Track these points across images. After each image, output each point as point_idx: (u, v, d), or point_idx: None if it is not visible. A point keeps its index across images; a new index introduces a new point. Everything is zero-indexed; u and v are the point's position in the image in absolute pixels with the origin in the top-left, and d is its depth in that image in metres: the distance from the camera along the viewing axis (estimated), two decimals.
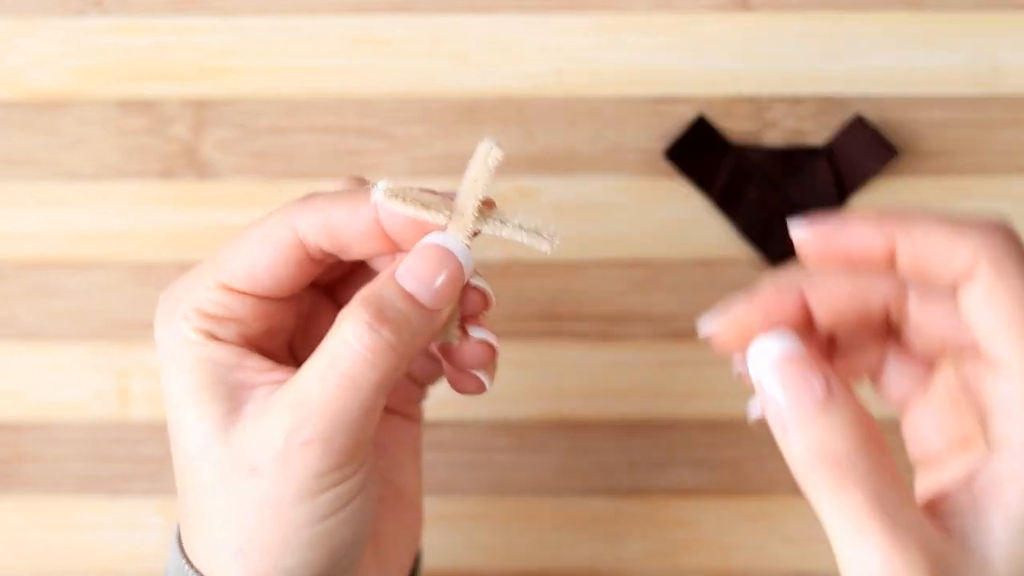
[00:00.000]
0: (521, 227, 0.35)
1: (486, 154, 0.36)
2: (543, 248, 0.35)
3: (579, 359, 0.51)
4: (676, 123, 0.51)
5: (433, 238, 0.35)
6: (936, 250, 0.32)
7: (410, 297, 0.35)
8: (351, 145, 0.51)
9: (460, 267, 0.35)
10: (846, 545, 0.31)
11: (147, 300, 0.52)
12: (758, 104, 0.51)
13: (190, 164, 0.52)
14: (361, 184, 0.39)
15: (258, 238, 0.36)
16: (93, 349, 0.52)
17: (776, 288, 0.35)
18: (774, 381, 0.33)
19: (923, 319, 0.34)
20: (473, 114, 0.51)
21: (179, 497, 0.37)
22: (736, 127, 0.51)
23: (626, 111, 0.51)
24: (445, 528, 0.51)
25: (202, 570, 0.37)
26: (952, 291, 0.32)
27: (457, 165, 0.51)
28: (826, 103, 0.51)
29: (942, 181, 0.51)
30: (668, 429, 0.51)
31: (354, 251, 0.37)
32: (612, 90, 0.51)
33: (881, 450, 0.32)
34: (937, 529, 0.31)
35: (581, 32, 0.51)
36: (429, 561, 0.50)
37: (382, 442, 0.41)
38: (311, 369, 0.35)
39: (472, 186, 0.36)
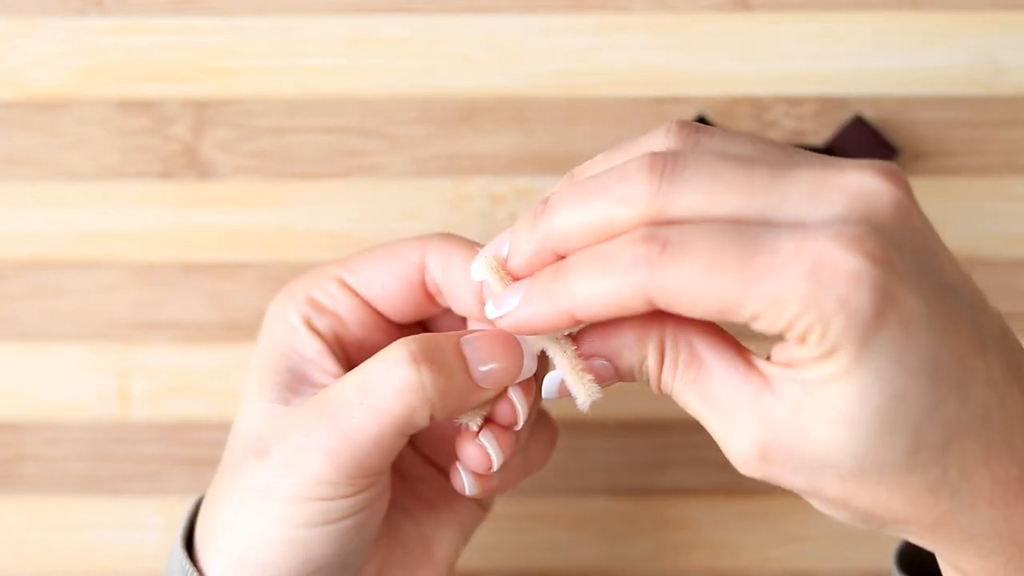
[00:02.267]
0: (573, 368, 0.34)
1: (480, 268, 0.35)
2: (580, 400, 0.35)
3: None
4: None
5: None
6: (610, 309, 0.32)
7: (463, 359, 0.35)
8: (351, 145, 0.51)
9: (520, 367, 0.36)
10: (703, 423, 0.33)
11: (147, 300, 0.52)
12: (758, 104, 0.51)
13: (190, 164, 0.52)
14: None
15: (388, 249, 0.39)
16: (93, 349, 0.52)
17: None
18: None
19: None
20: (473, 114, 0.51)
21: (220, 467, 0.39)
22: (736, 127, 0.51)
23: (626, 111, 0.51)
24: None
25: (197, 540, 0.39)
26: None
27: (457, 165, 0.51)
28: (826, 103, 0.51)
29: (942, 181, 0.51)
30: (668, 429, 0.51)
31: (455, 302, 0.38)
32: (612, 90, 0.51)
33: (696, 336, 0.33)
34: (764, 384, 0.31)
35: (581, 32, 0.51)
36: None
37: (447, 503, 0.42)
38: (344, 382, 0.36)
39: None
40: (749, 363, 0.32)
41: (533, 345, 0.35)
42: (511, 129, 0.51)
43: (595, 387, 0.34)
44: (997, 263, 0.51)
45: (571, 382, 0.34)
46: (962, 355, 0.31)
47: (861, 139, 0.51)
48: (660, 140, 0.33)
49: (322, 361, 0.38)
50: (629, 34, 0.51)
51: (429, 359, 0.35)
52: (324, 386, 0.37)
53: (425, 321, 0.41)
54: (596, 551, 0.51)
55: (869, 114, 0.51)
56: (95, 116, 0.52)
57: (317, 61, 0.51)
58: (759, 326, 0.31)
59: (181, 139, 0.52)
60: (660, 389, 0.33)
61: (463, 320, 0.40)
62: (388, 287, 0.39)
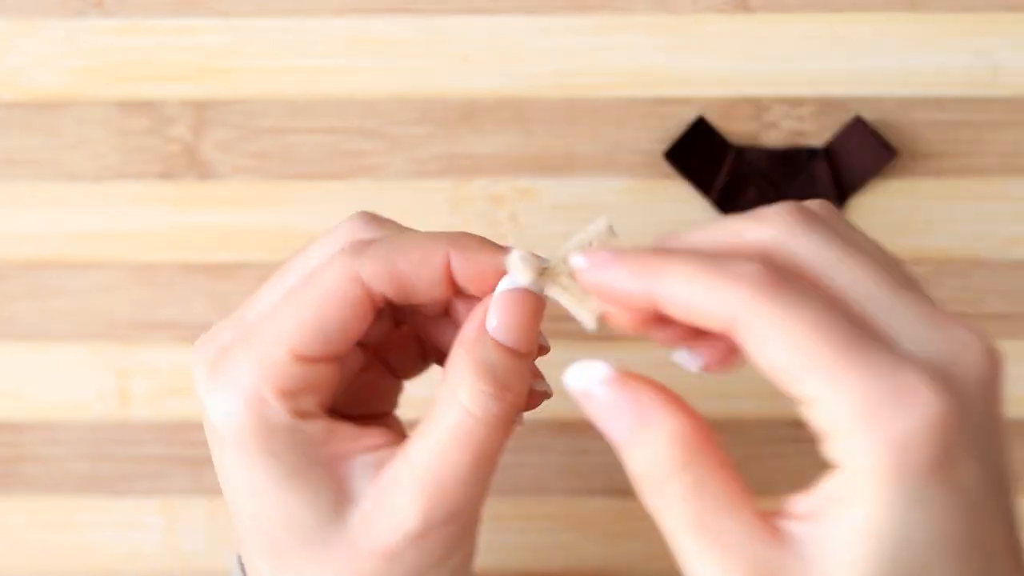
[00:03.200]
0: (571, 296, 0.34)
1: (601, 232, 0.35)
2: (585, 320, 0.35)
3: (580, 359, 0.51)
4: (676, 124, 0.51)
5: (511, 283, 0.35)
6: (696, 304, 0.31)
7: (512, 352, 0.35)
8: (351, 145, 0.51)
9: (542, 303, 0.35)
10: (681, 554, 0.31)
11: (147, 300, 0.52)
12: (758, 105, 0.51)
13: (190, 164, 0.52)
14: (395, 228, 0.37)
15: (323, 295, 0.34)
16: (93, 349, 0.52)
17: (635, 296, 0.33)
18: (594, 410, 0.33)
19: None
20: (473, 114, 0.51)
21: (262, 570, 0.36)
22: (736, 128, 0.51)
23: (626, 111, 0.51)
24: None
25: None
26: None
27: (457, 165, 0.51)
28: (826, 104, 0.51)
29: (941, 182, 0.51)
30: None
31: (419, 298, 0.36)
32: (612, 90, 0.51)
33: (704, 462, 0.31)
34: (772, 536, 0.30)
35: (581, 32, 0.51)
36: None
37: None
38: (436, 443, 0.34)
39: (571, 250, 0.34)
40: (757, 511, 0.31)
41: (529, 280, 0.35)
42: (511, 129, 0.51)
43: (597, 306, 0.34)
44: (997, 263, 0.51)
45: (576, 311, 0.34)
46: (990, 553, 0.30)
47: (861, 140, 0.51)
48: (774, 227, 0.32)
49: (337, 432, 0.35)
50: (629, 34, 0.51)
51: (503, 386, 0.34)
52: (362, 451, 0.35)
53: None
54: (596, 551, 0.51)
55: (869, 115, 0.51)
56: (95, 116, 0.52)
57: (317, 61, 0.51)
58: (808, 411, 0.30)
59: (181, 139, 0.52)
60: (648, 489, 0.32)
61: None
62: (346, 334, 0.35)
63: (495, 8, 0.51)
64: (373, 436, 0.35)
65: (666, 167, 0.51)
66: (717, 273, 0.30)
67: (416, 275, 0.35)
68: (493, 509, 0.51)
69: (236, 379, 0.34)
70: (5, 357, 0.52)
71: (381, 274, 0.34)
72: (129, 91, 0.52)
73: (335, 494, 0.34)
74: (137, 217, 0.52)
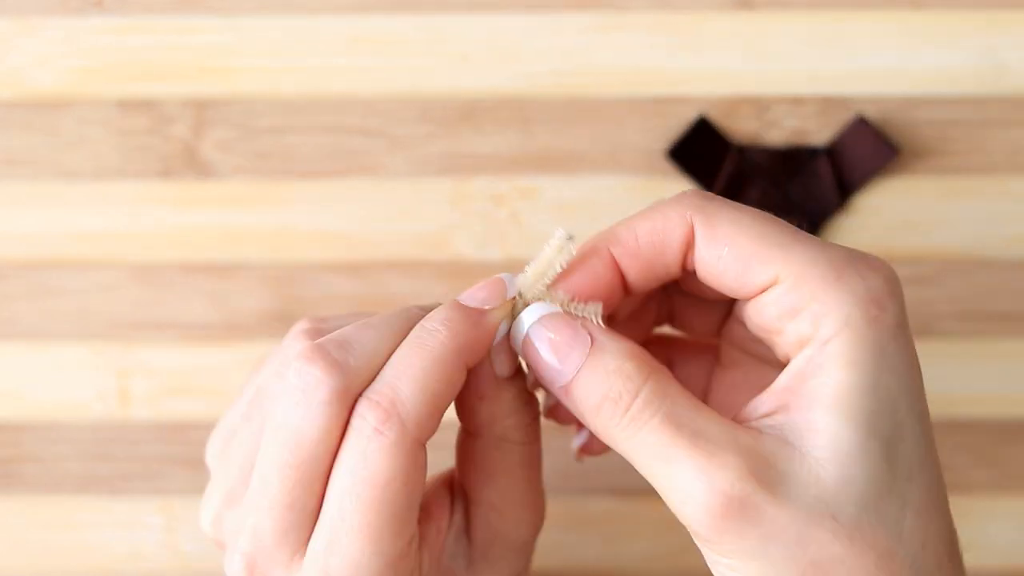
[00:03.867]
0: (545, 273, 0.36)
1: (559, 247, 0.35)
2: (560, 242, 0.36)
3: None
4: (677, 123, 0.51)
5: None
6: (656, 229, 0.35)
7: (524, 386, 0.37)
8: (351, 145, 0.51)
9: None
10: (663, 478, 0.32)
11: (147, 300, 0.52)
12: (759, 104, 0.51)
13: (190, 164, 0.52)
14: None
15: (393, 493, 0.33)
16: (94, 349, 0.52)
17: (588, 255, 0.35)
18: (543, 346, 0.34)
19: (710, 264, 0.35)
20: (473, 114, 0.51)
21: None
22: (737, 127, 0.51)
23: (626, 111, 0.51)
24: None
25: None
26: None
27: (457, 165, 0.51)
28: (827, 103, 0.51)
29: (943, 180, 0.51)
30: None
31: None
32: (612, 90, 0.51)
33: (665, 375, 0.33)
34: (749, 430, 0.32)
35: (581, 32, 0.51)
36: None
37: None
38: (504, 491, 0.38)
39: (537, 277, 0.35)
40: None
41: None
42: (511, 129, 0.51)
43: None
44: (999, 262, 0.51)
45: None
46: (923, 408, 0.33)
47: (863, 139, 0.50)
48: None
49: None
50: (629, 34, 0.51)
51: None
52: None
53: None
54: (596, 551, 0.51)
55: (871, 114, 0.51)
56: (95, 116, 0.52)
57: (317, 61, 0.51)
58: (768, 300, 0.33)
59: (181, 139, 0.52)
60: (615, 422, 0.33)
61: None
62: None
63: (496, 7, 0.51)
64: (441, 518, 0.38)
65: (667, 166, 0.51)
66: (661, 204, 0.34)
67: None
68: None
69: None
70: (5, 357, 0.52)
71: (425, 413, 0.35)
72: (129, 91, 0.52)
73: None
74: (137, 217, 0.52)
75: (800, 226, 0.50)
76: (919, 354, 0.47)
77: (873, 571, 0.30)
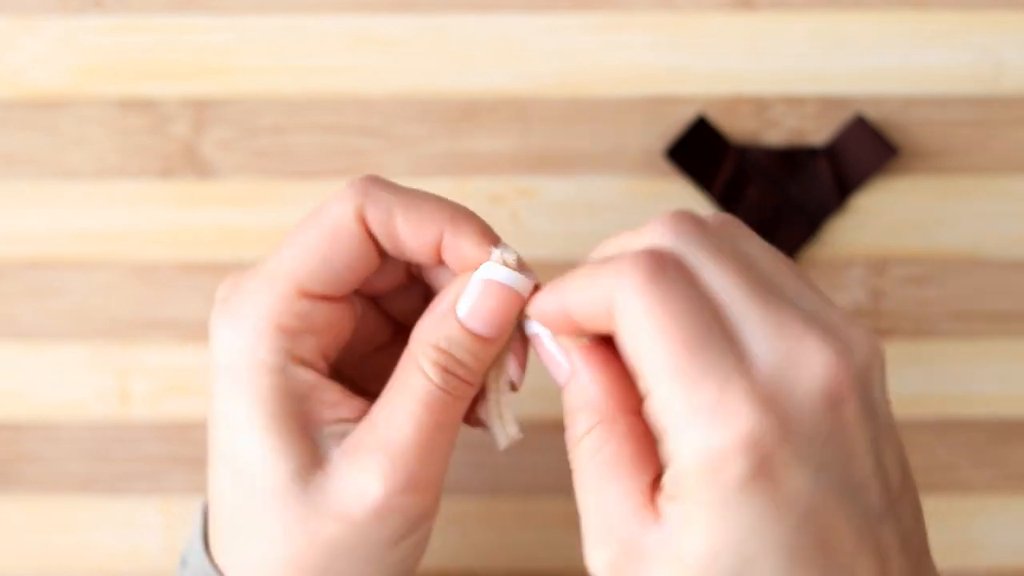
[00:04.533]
0: (500, 408, 0.37)
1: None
2: (499, 439, 0.37)
3: None
4: (677, 123, 0.51)
5: (490, 273, 0.35)
6: (585, 302, 0.33)
7: (477, 336, 0.35)
8: (351, 145, 0.51)
9: (518, 299, 0.36)
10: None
11: (147, 300, 0.52)
12: (759, 104, 0.51)
13: (190, 163, 0.52)
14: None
15: (326, 234, 0.35)
16: (93, 349, 0.52)
17: (548, 302, 0.35)
18: (539, 352, 0.36)
19: None
20: (473, 114, 0.51)
21: (219, 512, 0.36)
22: (737, 127, 0.51)
23: (626, 111, 0.51)
24: (445, 528, 0.51)
25: None
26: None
27: (457, 165, 0.51)
28: (827, 103, 0.51)
29: (942, 181, 0.51)
30: None
31: (408, 257, 0.37)
32: (612, 90, 0.51)
33: (609, 426, 0.34)
34: (647, 514, 0.32)
35: (581, 32, 0.51)
36: (428, 560, 0.50)
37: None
38: (396, 412, 0.35)
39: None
40: (648, 484, 0.33)
41: (510, 275, 0.36)
42: (512, 128, 0.51)
43: (515, 433, 0.37)
44: (998, 263, 0.51)
45: (495, 425, 0.37)
46: (836, 551, 0.31)
47: (862, 139, 0.51)
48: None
49: (318, 392, 0.36)
50: (630, 33, 0.51)
51: (456, 363, 0.36)
52: (335, 420, 0.36)
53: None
54: None
55: (870, 114, 0.51)
56: (95, 115, 0.52)
57: (317, 61, 0.51)
58: (646, 405, 0.32)
59: (181, 138, 0.52)
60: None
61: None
62: (352, 272, 0.36)
63: (496, 7, 0.51)
64: (352, 407, 0.36)
65: (667, 166, 0.51)
66: (598, 269, 0.32)
67: (408, 236, 0.36)
68: (493, 509, 0.51)
69: (240, 311, 0.35)
70: (5, 357, 0.52)
71: (380, 220, 0.35)
72: (129, 90, 0.52)
73: (305, 453, 0.35)
74: (137, 216, 0.52)
75: (800, 226, 0.51)
76: (917, 355, 0.47)
77: None
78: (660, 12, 0.51)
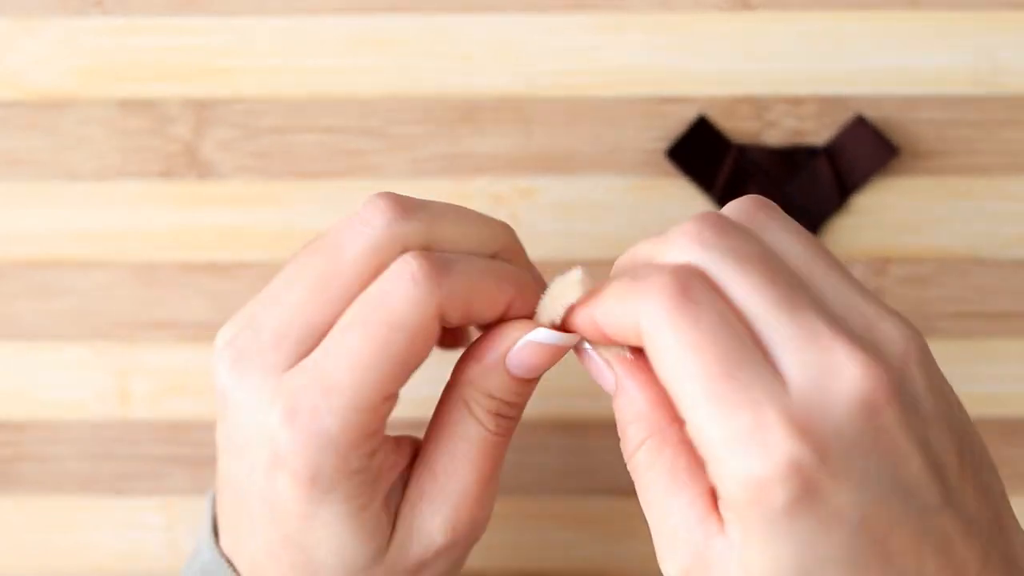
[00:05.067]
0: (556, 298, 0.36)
1: (575, 282, 0.36)
2: (574, 280, 0.36)
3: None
4: (677, 123, 0.51)
5: (539, 336, 0.36)
6: (616, 320, 0.33)
7: (524, 381, 0.37)
8: (351, 145, 0.51)
9: (564, 351, 0.36)
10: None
11: (147, 300, 0.52)
12: (759, 104, 0.51)
13: (191, 164, 0.52)
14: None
15: (409, 336, 0.34)
16: (94, 349, 0.52)
17: (580, 316, 0.36)
18: (586, 364, 0.36)
19: None
20: (473, 114, 0.51)
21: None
22: (737, 127, 0.51)
23: (626, 111, 0.51)
24: None
25: None
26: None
27: (457, 165, 0.51)
28: (827, 103, 0.51)
29: (942, 181, 0.51)
30: None
31: (473, 324, 0.38)
32: (612, 90, 0.51)
33: (659, 441, 0.34)
34: (710, 523, 0.32)
35: (581, 32, 0.51)
36: None
37: None
38: (457, 462, 0.36)
39: (552, 306, 0.36)
40: (706, 491, 0.33)
41: (554, 336, 0.36)
42: (512, 129, 0.51)
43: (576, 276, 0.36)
44: (997, 263, 0.51)
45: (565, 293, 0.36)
46: (896, 554, 0.31)
47: (862, 139, 0.51)
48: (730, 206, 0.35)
49: (383, 463, 0.36)
50: (629, 34, 0.51)
51: (508, 410, 0.37)
52: (393, 476, 0.37)
53: None
54: (596, 551, 0.51)
55: (870, 114, 0.51)
56: (95, 116, 0.52)
57: (317, 61, 0.51)
58: (688, 430, 0.32)
59: (182, 139, 0.52)
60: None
61: None
62: (415, 366, 0.35)
63: (496, 7, 0.51)
64: (402, 454, 0.37)
65: (667, 166, 0.51)
66: (625, 290, 0.33)
67: (484, 311, 0.36)
68: (494, 509, 0.51)
69: (323, 428, 0.34)
70: (5, 357, 0.52)
71: (458, 307, 0.35)
72: (129, 91, 0.52)
73: (387, 525, 0.36)
74: (137, 217, 0.52)
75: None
76: None
77: None
78: (660, 12, 0.51)
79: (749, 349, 0.31)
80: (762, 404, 0.30)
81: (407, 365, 0.34)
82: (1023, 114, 0.51)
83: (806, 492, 0.30)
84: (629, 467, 0.35)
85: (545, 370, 0.37)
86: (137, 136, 0.52)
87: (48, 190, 0.52)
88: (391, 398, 0.35)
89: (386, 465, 0.36)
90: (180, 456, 0.52)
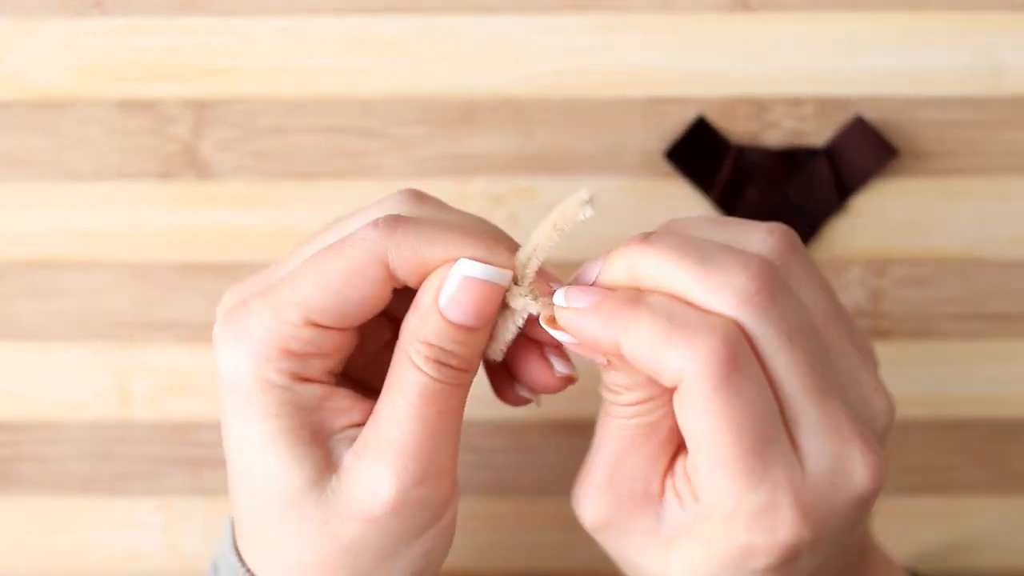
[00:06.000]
0: (557, 226, 0.36)
1: (576, 207, 0.36)
2: (580, 207, 0.36)
3: (580, 359, 0.51)
4: (676, 124, 0.51)
5: (468, 269, 0.36)
6: (652, 362, 0.34)
7: (462, 328, 0.36)
8: (351, 145, 0.51)
9: (498, 290, 0.36)
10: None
11: (147, 300, 0.52)
12: (758, 104, 0.51)
13: (190, 164, 0.52)
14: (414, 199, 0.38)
15: (345, 269, 0.35)
16: (93, 349, 0.52)
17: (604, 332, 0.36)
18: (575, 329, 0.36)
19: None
20: (473, 114, 0.51)
21: (242, 524, 0.37)
22: (736, 128, 0.51)
23: (626, 111, 0.51)
24: None
25: None
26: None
27: (457, 165, 0.51)
28: (826, 103, 0.51)
29: (942, 181, 0.51)
30: None
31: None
32: (612, 90, 0.51)
33: (645, 419, 0.36)
34: (662, 485, 0.36)
35: (581, 32, 0.51)
36: None
37: None
38: (398, 409, 0.35)
39: (546, 238, 0.36)
40: (669, 460, 0.36)
41: (488, 269, 0.36)
42: (511, 129, 0.51)
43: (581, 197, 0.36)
44: (997, 263, 0.51)
45: (567, 220, 0.36)
46: None
47: (861, 139, 0.51)
48: (762, 239, 0.35)
49: (328, 402, 0.36)
50: (629, 34, 0.51)
51: (447, 354, 0.36)
52: (347, 425, 0.36)
53: None
54: (596, 551, 0.51)
55: (869, 114, 0.51)
56: (95, 116, 0.52)
57: (317, 61, 0.51)
58: (692, 471, 0.35)
59: (181, 139, 0.52)
60: None
61: None
62: (365, 310, 0.36)
63: (495, 8, 0.51)
64: (357, 410, 0.37)
65: (666, 167, 0.51)
66: (672, 334, 0.33)
67: (436, 267, 0.36)
68: (493, 509, 0.51)
69: (247, 332, 0.35)
70: (5, 357, 0.52)
71: (406, 260, 0.35)
72: (129, 91, 0.52)
73: (318, 460, 0.36)
74: (137, 217, 0.52)
75: (799, 227, 0.51)
76: (917, 355, 0.47)
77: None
78: (659, 13, 0.51)
79: (778, 428, 0.33)
80: (780, 487, 0.33)
81: (339, 296, 0.35)
82: (1023, 115, 0.51)
83: (787, 563, 0.34)
84: (607, 411, 0.36)
85: (482, 315, 0.36)
86: (137, 136, 0.52)
87: (48, 190, 0.52)
88: (319, 327, 0.35)
89: (332, 406, 0.36)
90: (180, 456, 0.52)
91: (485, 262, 0.35)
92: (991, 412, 0.51)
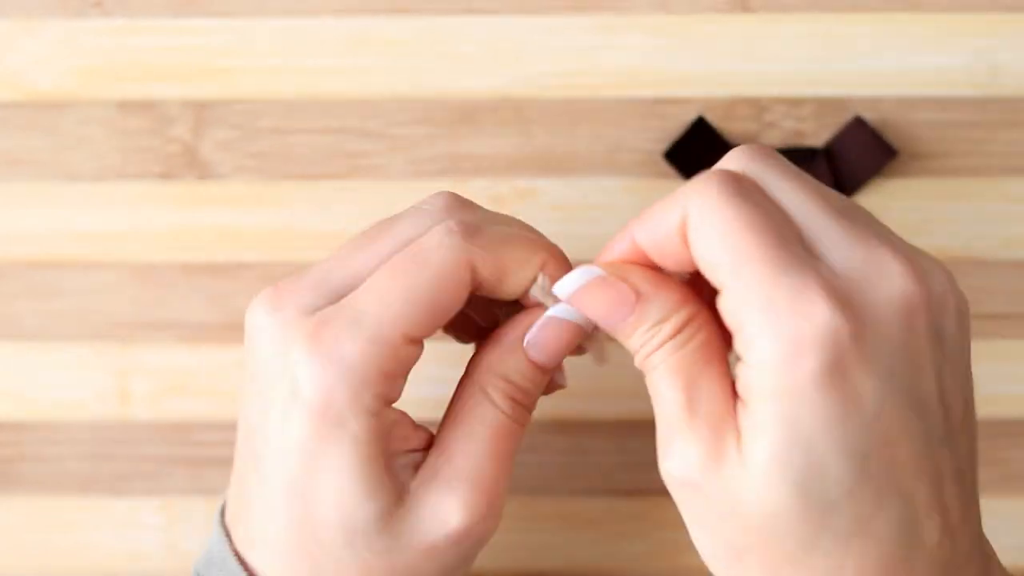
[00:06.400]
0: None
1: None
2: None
3: (580, 358, 0.51)
4: (676, 124, 0.51)
5: (560, 312, 0.36)
6: (661, 224, 0.34)
7: (540, 368, 0.37)
8: (351, 145, 0.52)
9: (582, 334, 0.37)
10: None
11: (147, 300, 0.52)
12: (758, 105, 0.51)
13: (190, 165, 0.52)
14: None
15: (437, 277, 0.35)
16: (94, 349, 0.52)
17: (618, 241, 0.36)
18: (587, 303, 0.35)
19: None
20: (473, 115, 0.51)
21: (278, 546, 0.36)
22: (736, 128, 0.51)
23: (626, 111, 0.51)
24: None
25: None
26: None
27: (457, 166, 0.51)
28: (825, 104, 0.51)
29: (941, 182, 0.51)
30: None
31: (503, 293, 0.37)
32: (612, 90, 0.51)
33: (697, 339, 0.34)
34: (733, 411, 0.32)
35: (581, 32, 0.51)
36: None
37: None
38: (472, 443, 0.36)
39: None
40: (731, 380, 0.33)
41: (573, 312, 0.37)
42: (511, 129, 0.51)
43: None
44: (997, 263, 0.51)
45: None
46: (897, 468, 0.31)
47: (861, 140, 0.51)
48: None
49: (396, 429, 0.36)
50: (629, 34, 0.51)
51: (524, 394, 0.37)
52: (408, 451, 0.36)
53: None
54: (596, 551, 0.51)
55: (869, 115, 0.51)
56: (95, 116, 0.52)
57: (317, 61, 0.51)
58: (720, 303, 0.33)
59: (181, 139, 0.52)
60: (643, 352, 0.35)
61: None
62: (450, 318, 0.36)
63: (495, 8, 0.51)
64: (420, 437, 0.37)
65: (666, 167, 0.51)
66: (674, 194, 0.34)
67: (515, 272, 0.36)
68: (503, 507, 0.51)
69: (339, 356, 0.34)
70: (5, 357, 0.52)
71: (489, 263, 0.36)
72: (129, 91, 0.52)
73: (392, 489, 0.35)
74: (137, 217, 0.52)
75: None
76: None
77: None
78: (658, 14, 0.51)
79: (796, 237, 0.32)
80: (806, 275, 0.31)
81: (432, 308, 0.35)
82: (1022, 115, 0.51)
83: (836, 366, 0.30)
84: (650, 360, 0.34)
85: (561, 355, 0.37)
86: (137, 136, 0.52)
87: (48, 190, 0.52)
88: (414, 343, 0.35)
89: (399, 433, 0.36)
90: (180, 456, 0.52)
91: (565, 268, 0.36)
92: (992, 412, 0.51)
